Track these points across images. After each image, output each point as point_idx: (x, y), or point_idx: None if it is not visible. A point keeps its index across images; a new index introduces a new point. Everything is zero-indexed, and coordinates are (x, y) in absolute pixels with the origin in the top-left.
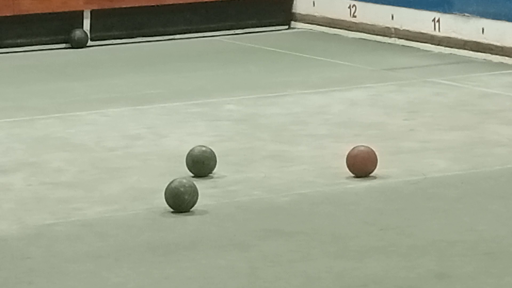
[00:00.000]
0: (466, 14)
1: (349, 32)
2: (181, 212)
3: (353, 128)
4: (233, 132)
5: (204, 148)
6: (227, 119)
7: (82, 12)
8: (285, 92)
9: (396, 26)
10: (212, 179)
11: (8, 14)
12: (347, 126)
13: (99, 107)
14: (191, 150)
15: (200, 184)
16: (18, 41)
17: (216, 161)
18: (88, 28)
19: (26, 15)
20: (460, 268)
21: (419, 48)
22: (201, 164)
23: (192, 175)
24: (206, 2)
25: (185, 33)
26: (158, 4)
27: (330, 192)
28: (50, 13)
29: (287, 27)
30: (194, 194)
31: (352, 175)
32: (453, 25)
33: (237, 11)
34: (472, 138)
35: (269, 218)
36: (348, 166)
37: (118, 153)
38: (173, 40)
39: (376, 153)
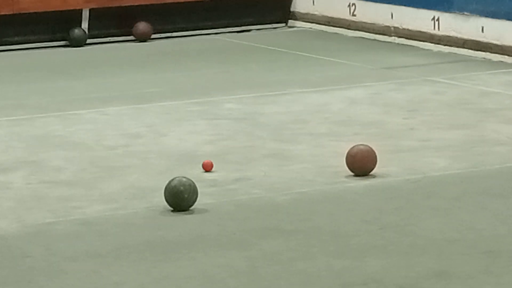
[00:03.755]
0: (466, 13)
1: (349, 30)
2: (181, 210)
3: (352, 127)
4: (232, 130)
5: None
6: (227, 118)
7: (81, 11)
8: (285, 91)
9: (395, 25)
10: (211, 178)
11: (7, 13)
12: (347, 125)
13: (98, 106)
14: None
15: (200, 183)
16: (17, 39)
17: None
18: (87, 27)
19: (25, 13)
20: (459, 266)
21: (418, 47)
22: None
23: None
24: (205, 0)
25: (184, 31)
26: (156, 2)
27: (330, 191)
28: (49, 12)
29: (286, 25)
30: (193, 192)
31: (352, 173)
32: (452, 23)
33: (237, 9)
34: (472, 136)
35: (268, 216)
36: (348, 165)
37: (118, 151)
38: (172, 39)
39: (376, 151)
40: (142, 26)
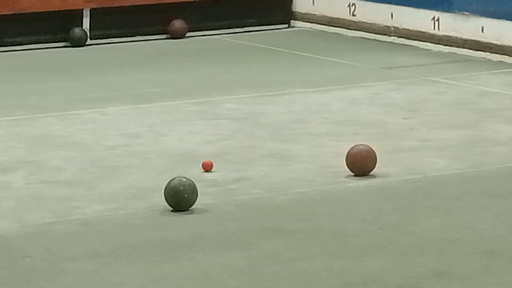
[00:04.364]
0: (466, 12)
1: (349, 30)
2: (181, 210)
3: (352, 127)
4: (232, 130)
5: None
6: (227, 118)
7: (81, 11)
8: (285, 91)
9: (395, 25)
10: (211, 178)
11: (7, 13)
12: (347, 125)
13: (98, 106)
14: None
15: (200, 183)
16: (18, 39)
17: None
18: (88, 27)
19: (26, 13)
20: (459, 266)
21: (418, 47)
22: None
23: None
24: (205, 0)
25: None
26: (157, 2)
27: (330, 191)
28: (49, 12)
29: (286, 25)
30: (193, 192)
31: (352, 173)
32: (452, 23)
33: (237, 9)
34: (472, 136)
35: (268, 216)
36: (348, 165)
37: (118, 151)
38: (172, 39)
39: (376, 151)
40: (178, 24)
